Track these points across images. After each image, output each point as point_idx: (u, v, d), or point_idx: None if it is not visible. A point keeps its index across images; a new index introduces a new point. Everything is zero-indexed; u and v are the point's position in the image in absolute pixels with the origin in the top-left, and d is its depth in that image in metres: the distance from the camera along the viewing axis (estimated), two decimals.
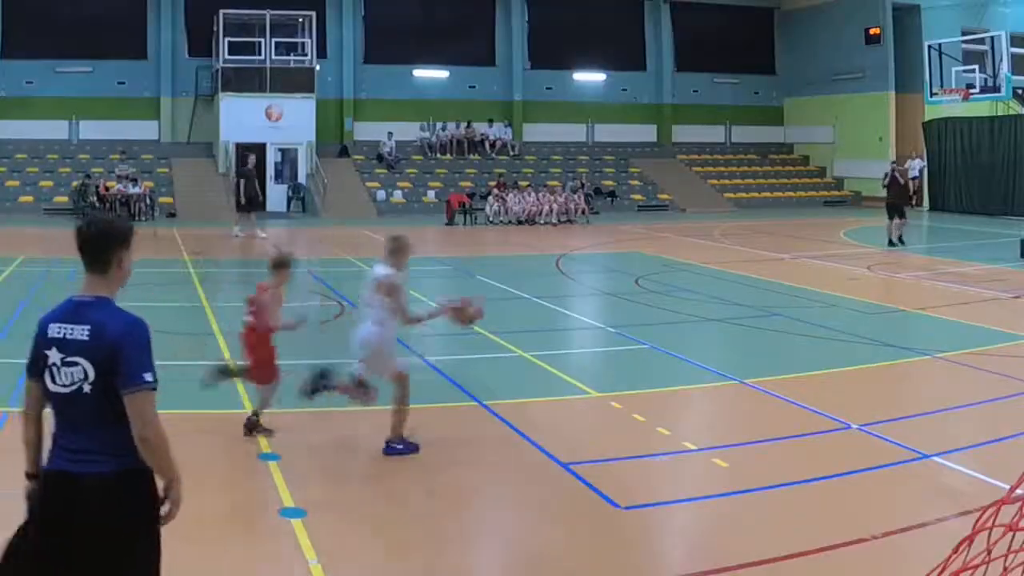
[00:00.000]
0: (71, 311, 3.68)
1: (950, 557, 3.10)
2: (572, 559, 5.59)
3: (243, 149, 29.14)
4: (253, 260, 21.53)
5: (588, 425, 8.45)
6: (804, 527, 5.99)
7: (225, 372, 8.29)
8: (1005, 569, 3.23)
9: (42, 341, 3.69)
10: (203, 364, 10.32)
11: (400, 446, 7.38)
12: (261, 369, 7.78)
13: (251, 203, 24.84)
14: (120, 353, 3.54)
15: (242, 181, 24.93)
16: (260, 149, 31.77)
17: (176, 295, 14.88)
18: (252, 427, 7.70)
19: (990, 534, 3.04)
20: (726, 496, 6.59)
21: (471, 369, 10.14)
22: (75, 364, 3.59)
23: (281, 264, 7.98)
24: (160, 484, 3.67)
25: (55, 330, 3.66)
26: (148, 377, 3.54)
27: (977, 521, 3.10)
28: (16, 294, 14.25)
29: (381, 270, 7.46)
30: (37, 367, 3.73)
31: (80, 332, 3.61)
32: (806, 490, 6.67)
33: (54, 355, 3.64)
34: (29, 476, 3.83)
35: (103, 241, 3.75)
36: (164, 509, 3.69)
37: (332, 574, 5.25)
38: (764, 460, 7.40)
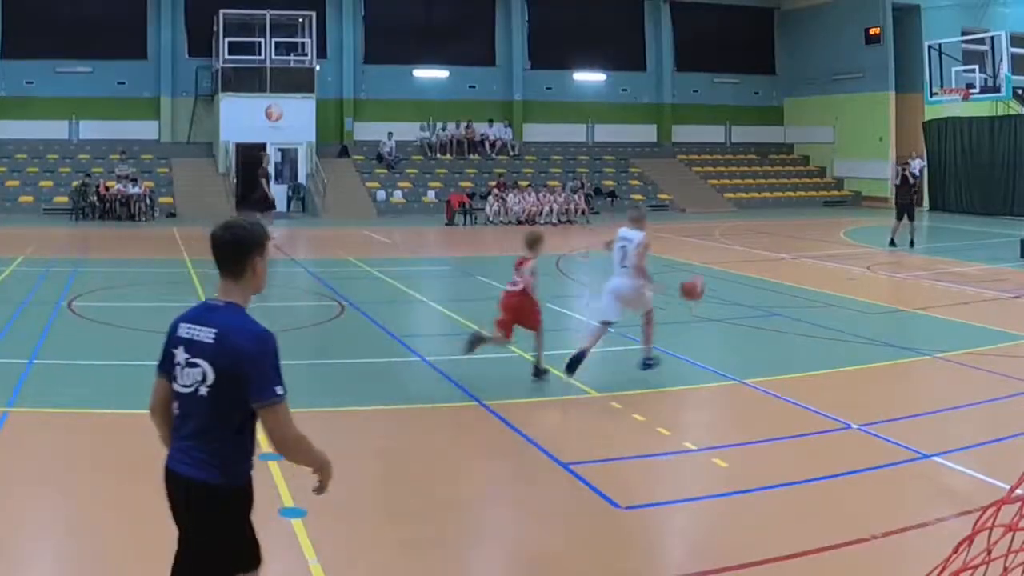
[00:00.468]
0: (201, 313, 3.74)
1: (950, 557, 3.10)
2: (572, 559, 5.59)
3: (258, 149, 29.08)
4: None
5: (588, 425, 8.45)
6: (804, 527, 5.99)
7: (477, 340, 9.73)
8: (1005, 569, 3.23)
9: (172, 339, 3.75)
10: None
11: (651, 361, 9.75)
12: (534, 318, 9.58)
13: (268, 203, 25.01)
14: (248, 365, 3.56)
15: (264, 181, 25.03)
16: (260, 149, 31.80)
17: (176, 295, 14.89)
18: (539, 372, 9.55)
19: (990, 534, 3.04)
20: (726, 496, 6.59)
21: (471, 369, 10.13)
22: (196, 366, 3.63)
23: (537, 241, 9.72)
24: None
25: (184, 330, 3.72)
26: (279, 391, 3.58)
27: (977, 521, 3.10)
28: (16, 294, 14.24)
29: (636, 235, 9.71)
30: (165, 365, 3.78)
31: (206, 335, 3.64)
32: (806, 490, 6.67)
33: (180, 354, 3.69)
34: None
35: (239, 247, 3.74)
36: (315, 487, 3.93)
37: (332, 574, 5.25)
38: (764, 460, 7.40)
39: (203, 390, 3.61)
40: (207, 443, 3.64)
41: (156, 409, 3.85)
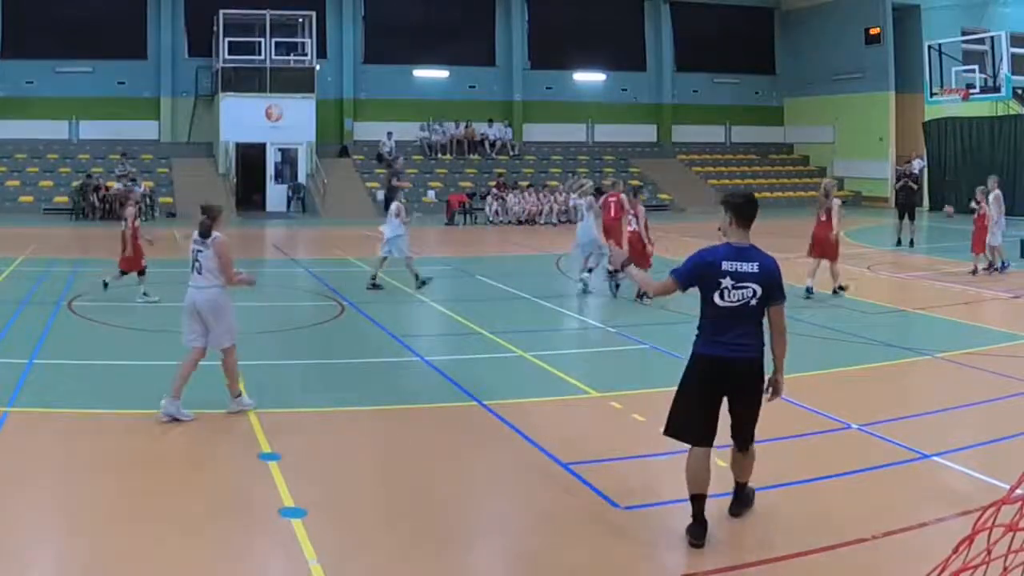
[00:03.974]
0: (737, 252, 5.56)
1: (950, 557, 3.10)
2: (572, 559, 5.58)
3: (390, 159, 29.22)
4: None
5: (588, 425, 8.44)
6: (804, 527, 5.99)
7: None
8: (1005, 569, 3.23)
9: (716, 271, 5.52)
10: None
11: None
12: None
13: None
14: (777, 282, 5.58)
15: (395, 178, 25.10)
16: (260, 149, 31.80)
17: (176, 295, 14.85)
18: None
19: (990, 534, 3.04)
20: (726, 496, 6.58)
21: (471, 369, 10.13)
22: (746, 287, 5.50)
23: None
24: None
25: (727, 265, 5.51)
26: (785, 295, 5.66)
27: (977, 521, 3.10)
28: (16, 294, 14.23)
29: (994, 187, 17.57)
30: (691, 283, 5.69)
31: (750, 267, 5.51)
32: (806, 490, 6.67)
33: (727, 281, 5.50)
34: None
35: (755, 209, 5.66)
36: (767, 396, 5.75)
37: (332, 574, 5.24)
38: (764, 460, 7.37)
39: (753, 302, 5.52)
40: (754, 334, 5.60)
41: (667, 290, 5.98)
